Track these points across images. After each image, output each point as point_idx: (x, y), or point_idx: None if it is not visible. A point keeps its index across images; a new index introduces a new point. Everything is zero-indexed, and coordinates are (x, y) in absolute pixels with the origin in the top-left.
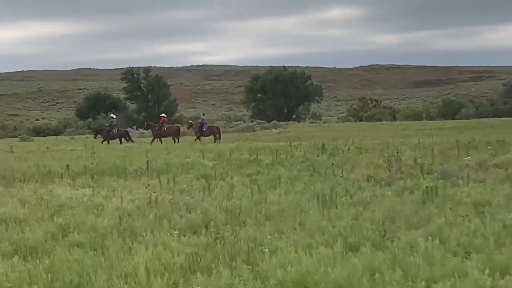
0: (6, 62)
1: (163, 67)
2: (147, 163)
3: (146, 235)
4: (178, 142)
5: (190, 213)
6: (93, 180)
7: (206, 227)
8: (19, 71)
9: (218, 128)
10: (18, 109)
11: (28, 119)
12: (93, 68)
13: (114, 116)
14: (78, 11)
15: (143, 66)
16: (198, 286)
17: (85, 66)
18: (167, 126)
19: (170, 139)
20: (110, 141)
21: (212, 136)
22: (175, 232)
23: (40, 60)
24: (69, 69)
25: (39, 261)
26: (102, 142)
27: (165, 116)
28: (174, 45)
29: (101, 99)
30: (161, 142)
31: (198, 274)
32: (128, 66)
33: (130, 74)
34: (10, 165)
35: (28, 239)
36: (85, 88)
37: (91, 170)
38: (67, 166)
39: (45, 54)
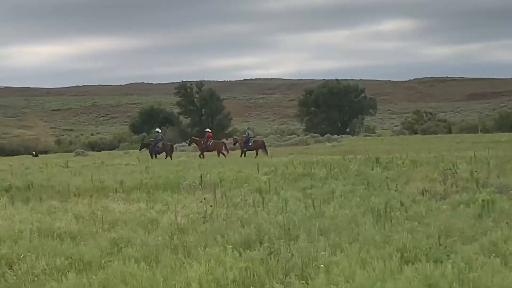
0: (61, 77)
1: (217, 81)
2: (201, 177)
3: (201, 250)
4: (225, 156)
5: (244, 227)
6: (147, 195)
7: (260, 242)
8: (74, 86)
9: (263, 142)
10: (73, 124)
11: (83, 134)
12: (147, 83)
13: (160, 131)
14: (132, 26)
15: (196, 80)
16: None
17: (139, 81)
18: (212, 141)
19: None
20: (156, 155)
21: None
22: (229, 246)
23: (94, 75)
24: (123, 84)
25: (94, 275)
26: (152, 157)
27: (210, 131)
28: (227, 59)
29: (155, 114)
30: (203, 157)
31: None
32: (181, 80)
33: (183, 88)
34: (65, 180)
35: (83, 253)
36: (138, 102)
37: (145, 184)
38: (121, 181)
39: (99, 69)
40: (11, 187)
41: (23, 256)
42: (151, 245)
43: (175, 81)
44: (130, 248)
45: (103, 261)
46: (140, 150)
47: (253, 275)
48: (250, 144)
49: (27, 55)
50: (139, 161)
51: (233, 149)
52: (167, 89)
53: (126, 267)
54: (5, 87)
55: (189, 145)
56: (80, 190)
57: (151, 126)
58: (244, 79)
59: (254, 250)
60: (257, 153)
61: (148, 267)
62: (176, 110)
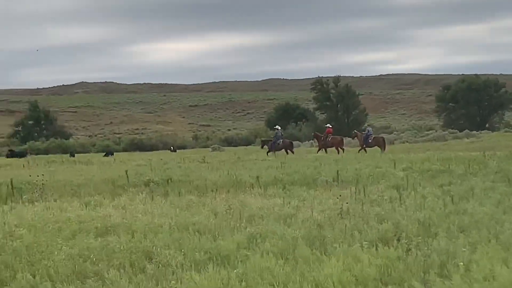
0: (198, 74)
1: (352, 76)
2: (337, 173)
3: (338, 246)
4: (343, 152)
5: (381, 224)
6: (283, 190)
7: (398, 239)
8: (211, 82)
9: (383, 139)
10: (210, 119)
11: (219, 129)
12: (283, 78)
13: (279, 128)
14: (267, 21)
15: (332, 75)
16: None
17: (275, 77)
18: (331, 136)
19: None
20: (275, 152)
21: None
22: (366, 243)
23: (231, 71)
24: (259, 80)
25: (232, 269)
26: (267, 153)
27: (331, 126)
28: (363, 54)
29: (291, 109)
30: (326, 152)
31: (390, 287)
32: (317, 76)
33: (319, 84)
34: (202, 175)
35: (221, 247)
36: (274, 98)
37: (281, 180)
38: (258, 176)
39: (236, 65)
40: (151, 182)
41: (162, 250)
42: (288, 240)
43: (310, 77)
44: (268, 243)
45: (239, 255)
46: (262, 147)
47: (391, 272)
48: (370, 140)
49: (164, 52)
50: (275, 157)
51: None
52: (302, 85)
53: (263, 261)
54: (144, 83)
55: (312, 139)
56: (217, 185)
57: (287, 122)
58: (380, 75)
59: (392, 247)
60: (382, 149)
61: (285, 262)
62: (312, 106)
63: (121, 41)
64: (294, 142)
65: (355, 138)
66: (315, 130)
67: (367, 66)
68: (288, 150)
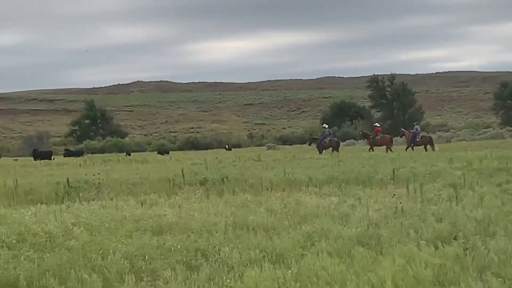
0: (253, 72)
1: (408, 74)
2: (393, 171)
3: (394, 245)
4: (391, 151)
5: (437, 222)
6: (339, 189)
7: (455, 238)
8: (265, 81)
9: (430, 138)
10: (265, 118)
11: (274, 128)
12: (338, 77)
13: (327, 126)
14: (322, 19)
15: (387, 73)
16: None
17: (330, 75)
18: (380, 135)
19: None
20: (322, 151)
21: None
22: (422, 242)
23: (285, 69)
24: (314, 78)
25: (287, 268)
26: (319, 152)
27: (379, 125)
28: (418, 52)
29: (346, 108)
30: (372, 150)
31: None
32: (372, 74)
33: (375, 82)
34: (257, 174)
35: (276, 246)
36: (329, 96)
37: (337, 178)
38: (313, 175)
39: (290, 64)
40: (206, 180)
41: (218, 248)
42: (344, 239)
43: (366, 75)
44: (324, 242)
45: (295, 254)
46: (309, 144)
47: (448, 272)
48: (417, 139)
49: (219, 51)
50: (330, 155)
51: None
52: (358, 83)
53: (319, 260)
54: (199, 82)
55: (361, 138)
56: (272, 184)
57: (342, 120)
58: (437, 72)
59: (449, 246)
60: (425, 149)
61: (340, 261)
62: (367, 104)
63: (176, 40)
64: (349, 141)
65: (403, 136)
66: (370, 129)
67: (423, 64)
68: (334, 149)
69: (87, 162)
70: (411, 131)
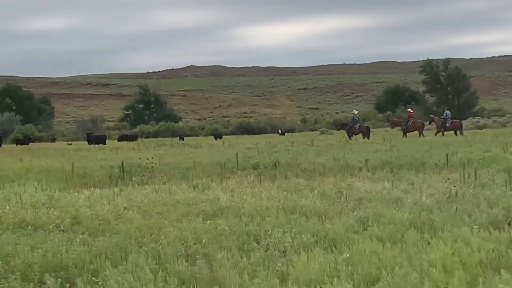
0: (307, 57)
1: (463, 58)
2: (447, 156)
3: (446, 230)
4: (423, 136)
5: (491, 208)
6: (392, 174)
7: (508, 223)
8: (319, 65)
9: (460, 123)
10: (318, 102)
11: (328, 113)
12: (392, 61)
13: (356, 112)
14: (375, 3)
15: (442, 58)
16: (501, 285)
17: (384, 59)
18: (412, 120)
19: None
20: (352, 137)
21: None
22: (475, 227)
23: (339, 54)
24: (368, 62)
25: (339, 253)
26: (349, 137)
27: (412, 111)
28: (474, 36)
29: (400, 92)
30: (406, 137)
31: (502, 271)
32: (427, 59)
33: (429, 67)
34: (310, 159)
35: (328, 231)
36: (383, 81)
37: (390, 163)
38: (366, 159)
39: (344, 48)
40: (259, 165)
41: (270, 232)
42: (396, 224)
43: (420, 59)
44: (376, 227)
45: (347, 239)
46: (338, 130)
47: (501, 257)
48: (447, 124)
49: (272, 35)
50: (383, 140)
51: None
52: (412, 68)
53: (371, 245)
54: (252, 66)
55: (392, 127)
56: (325, 169)
57: (396, 105)
58: (492, 56)
59: (503, 231)
60: (455, 133)
61: (393, 246)
62: (421, 88)
63: (229, 24)
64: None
65: (432, 122)
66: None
67: (478, 48)
68: (365, 136)
69: (141, 146)
70: (441, 116)
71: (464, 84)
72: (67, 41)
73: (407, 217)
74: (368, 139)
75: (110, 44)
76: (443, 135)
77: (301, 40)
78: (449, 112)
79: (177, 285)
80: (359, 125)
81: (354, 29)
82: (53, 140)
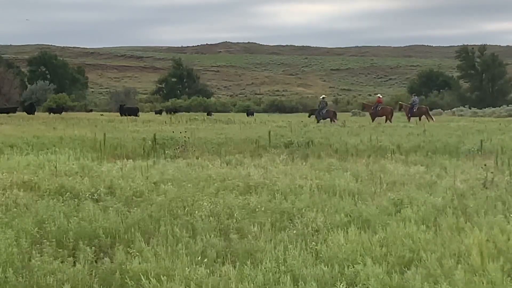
0: (341, 37)
1: (499, 45)
2: (481, 143)
3: (480, 216)
4: (390, 122)
5: None
6: (425, 158)
7: None
8: (353, 47)
9: (426, 108)
10: (351, 84)
11: (360, 94)
12: (427, 45)
13: (324, 97)
14: None
15: (478, 44)
16: None
17: (419, 43)
18: (381, 106)
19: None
20: (320, 121)
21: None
22: (511, 215)
23: (374, 35)
24: (402, 45)
25: (373, 234)
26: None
27: (381, 96)
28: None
29: (434, 77)
30: (373, 121)
31: None
32: (462, 44)
33: (464, 52)
34: (343, 139)
35: (362, 211)
36: (418, 65)
37: (423, 147)
38: (399, 143)
39: (378, 30)
40: (291, 143)
41: (303, 211)
42: (430, 208)
43: (455, 44)
44: (410, 210)
45: (380, 221)
46: (309, 116)
47: None
48: (414, 110)
49: (307, 14)
50: (416, 123)
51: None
52: (447, 52)
53: (405, 228)
54: (286, 45)
55: (361, 110)
56: (358, 150)
57: (429, 89)
58: None
59: None
60: (420, 119)
61: (426, 229)
62: (455, 74)
63: (264, 1)
64: (435, 110)
65: (401, 109)
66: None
67: None
68: (332, 120)
69: (173, 120)
70: (409, 102)
71: (499, 71)
72: (102, 12)
73: (440, 202)
74: (335, 122)
75: (144, 15)
76: (409, 121)
77: (337, 20)
78: (417, 99)
79: (211, 258)
80: (326, 110)
81: (388, 11)
82: (90, 111)
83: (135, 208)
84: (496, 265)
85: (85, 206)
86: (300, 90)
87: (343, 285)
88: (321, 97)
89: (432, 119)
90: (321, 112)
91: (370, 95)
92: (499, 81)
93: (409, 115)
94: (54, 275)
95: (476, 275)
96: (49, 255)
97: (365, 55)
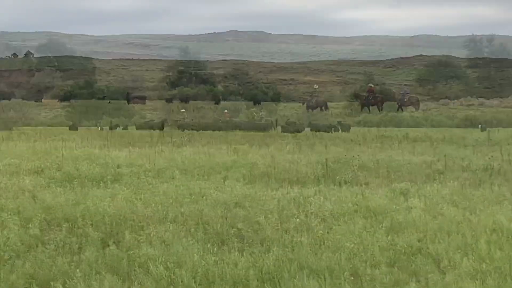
0: (347, 26)
1: (508, 36)
2: (488, 133)
3: (486, 205)
4: (382, 110)
5: None
6: (432, 147)
7: None
8: (361, 36)
9: (417, 98)
10: (358, 73)
11: (368, 84)
12: (435, 35)
13: (317, 87)
14: None
15: (486, 34)
16: None
17: (427, 32)
18: (372, 95)
19: None
20: (309, 110)
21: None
22: None
23: (381, 24)
24: (410, 35)
25: (379, 222)
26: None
27: (372, 86)
28: None
29: (442, 66)
30: (362, 110)
31: None
32: (470, 34)
33: (472, 42)
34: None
35: (369, 201)
36: (425, 54)
37: (430, 137)
38: (407, 133)
39: (386, 19)
40: (299, 131)
41: (310, 199)
42: (436, 198)
43: (463, 34)
44: (416, 199)
45: (387, 209)
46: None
47: None
48: (405, 100)
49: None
50: (423, 113)
51: None
52: (455, 42)
53: (411, 217)
54: (294, 34)
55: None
56: (365, 139)
57: (437, 79)
58: None
59: None
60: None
61: (433, 219)
62: (463, 64)
63: None
64: (443, 100)
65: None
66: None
67: None
68: (322, 109)
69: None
70: (400, 92)
71: (508, 62)
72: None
73: (447, 192)
74: (327, 110)
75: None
76: (402, 110)
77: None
78: (408, 90)
79: (218, 245)
80: (315, 100)
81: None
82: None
83: (142, 194)
84: (502, 253)
85: (94, 192)
86: (307, 80)
87: (346, 274)
88: (314, 86)
89: (417, 108)
90: (311, 102)
91: (377, 85)
92: (507, 71)
93: (400, 104)
94: (62, 262)
95: (483, 263)
96: (57, 241)
97: (373, 44)
